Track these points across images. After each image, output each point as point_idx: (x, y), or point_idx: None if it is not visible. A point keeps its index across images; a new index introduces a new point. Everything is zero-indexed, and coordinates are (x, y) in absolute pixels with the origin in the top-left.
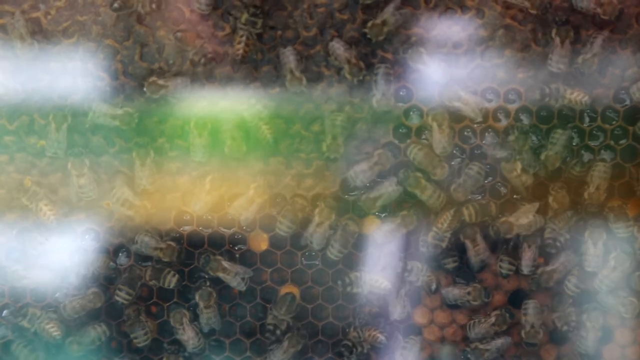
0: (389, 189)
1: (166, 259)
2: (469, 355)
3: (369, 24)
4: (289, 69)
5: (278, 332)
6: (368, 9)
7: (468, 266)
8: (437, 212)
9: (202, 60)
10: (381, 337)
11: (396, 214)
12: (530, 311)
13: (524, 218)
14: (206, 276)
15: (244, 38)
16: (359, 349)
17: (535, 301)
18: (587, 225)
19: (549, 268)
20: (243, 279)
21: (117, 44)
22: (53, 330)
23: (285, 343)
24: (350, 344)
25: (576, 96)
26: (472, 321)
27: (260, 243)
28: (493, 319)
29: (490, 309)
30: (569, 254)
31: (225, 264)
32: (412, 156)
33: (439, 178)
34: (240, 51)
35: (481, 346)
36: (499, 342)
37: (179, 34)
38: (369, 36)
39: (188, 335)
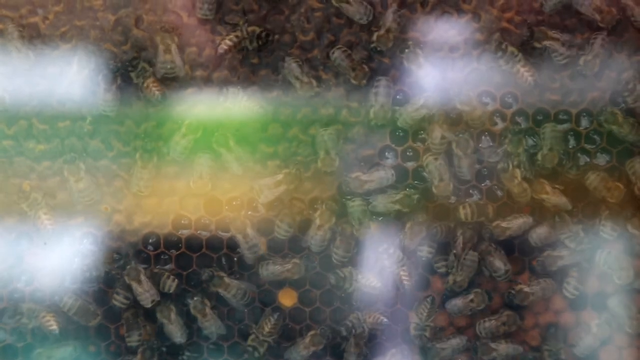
0: (356, 207)
1: (295, 277)
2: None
3: (375, 36)
4: (295, 76)
5: (257, 354)
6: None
7: None
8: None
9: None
10: (382, 319)
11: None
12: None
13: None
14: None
15: (234, 39)
16: (359, 329)
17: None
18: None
19: (526, 289)
20: (245, 293)
21: (115, 48)
22: (50, 324)
23: (307, 339)
24: (350, 324)
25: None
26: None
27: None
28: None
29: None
30: (548, 282)
31: (228, 280)
32: (426, 163)
33: (438, 193)
34: (225, 47)
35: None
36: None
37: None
38: (379, 48)
39: (145, 292)
